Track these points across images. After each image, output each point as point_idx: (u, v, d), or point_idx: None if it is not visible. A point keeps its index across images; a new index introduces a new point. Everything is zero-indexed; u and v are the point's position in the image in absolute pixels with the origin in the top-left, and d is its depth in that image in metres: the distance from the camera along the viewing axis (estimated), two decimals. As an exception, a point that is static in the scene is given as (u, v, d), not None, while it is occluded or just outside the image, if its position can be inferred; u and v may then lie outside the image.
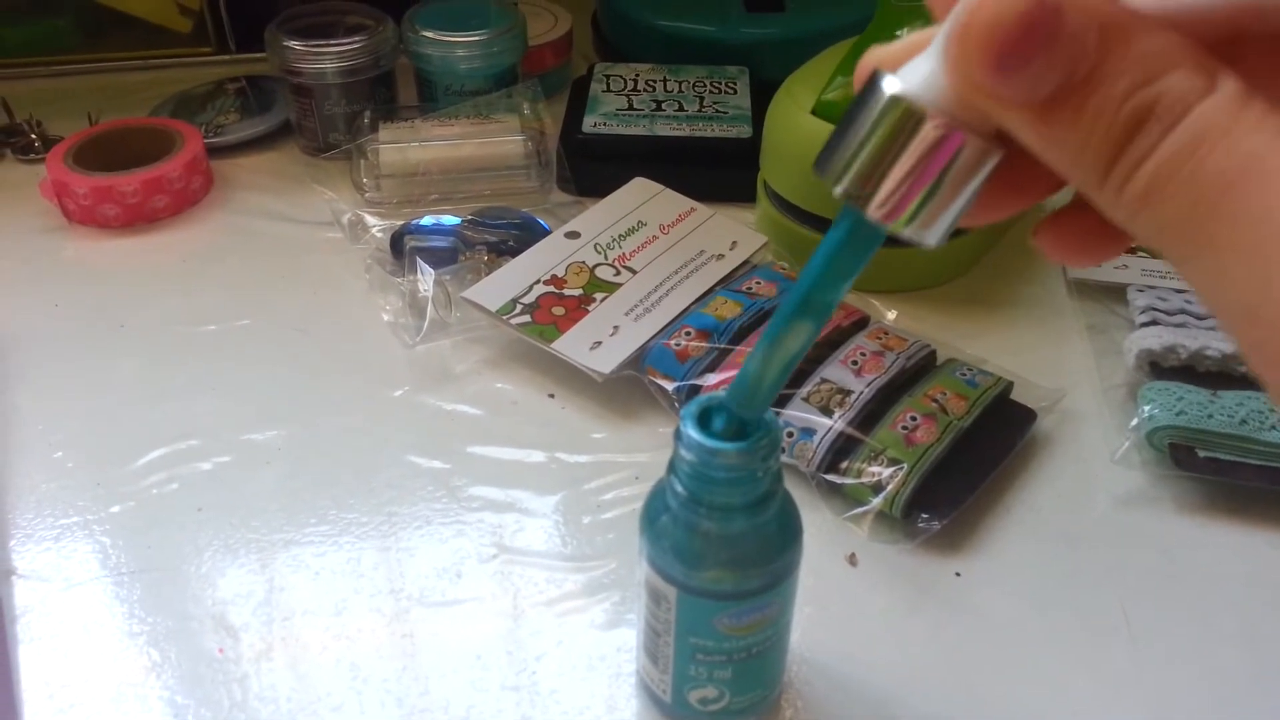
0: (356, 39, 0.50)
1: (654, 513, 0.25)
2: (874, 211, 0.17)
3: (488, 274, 0.41)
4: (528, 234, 0.44)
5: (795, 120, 0.43)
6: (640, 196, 0.45)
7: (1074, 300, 0.43)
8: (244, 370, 0.40)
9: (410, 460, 0.36)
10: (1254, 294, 0.13)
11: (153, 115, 0.54)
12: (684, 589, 0.24)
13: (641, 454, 0.36)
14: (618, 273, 0.41)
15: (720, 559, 0.24)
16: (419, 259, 0.42)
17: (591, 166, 0.49)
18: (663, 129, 0.50)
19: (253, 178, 0.51)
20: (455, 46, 0.50)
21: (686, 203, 0.45)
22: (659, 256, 0.42)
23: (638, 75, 0.54)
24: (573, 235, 0.43)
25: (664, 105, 0.51)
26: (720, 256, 0.42)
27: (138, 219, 0.47)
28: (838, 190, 0.17)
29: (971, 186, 0.16)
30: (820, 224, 0.43)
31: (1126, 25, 0.14)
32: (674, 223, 0.44)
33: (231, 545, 0.33)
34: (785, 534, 0.25)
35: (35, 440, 0.37)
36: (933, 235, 0.17)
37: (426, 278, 0.41)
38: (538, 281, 0.40)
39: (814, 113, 0.42)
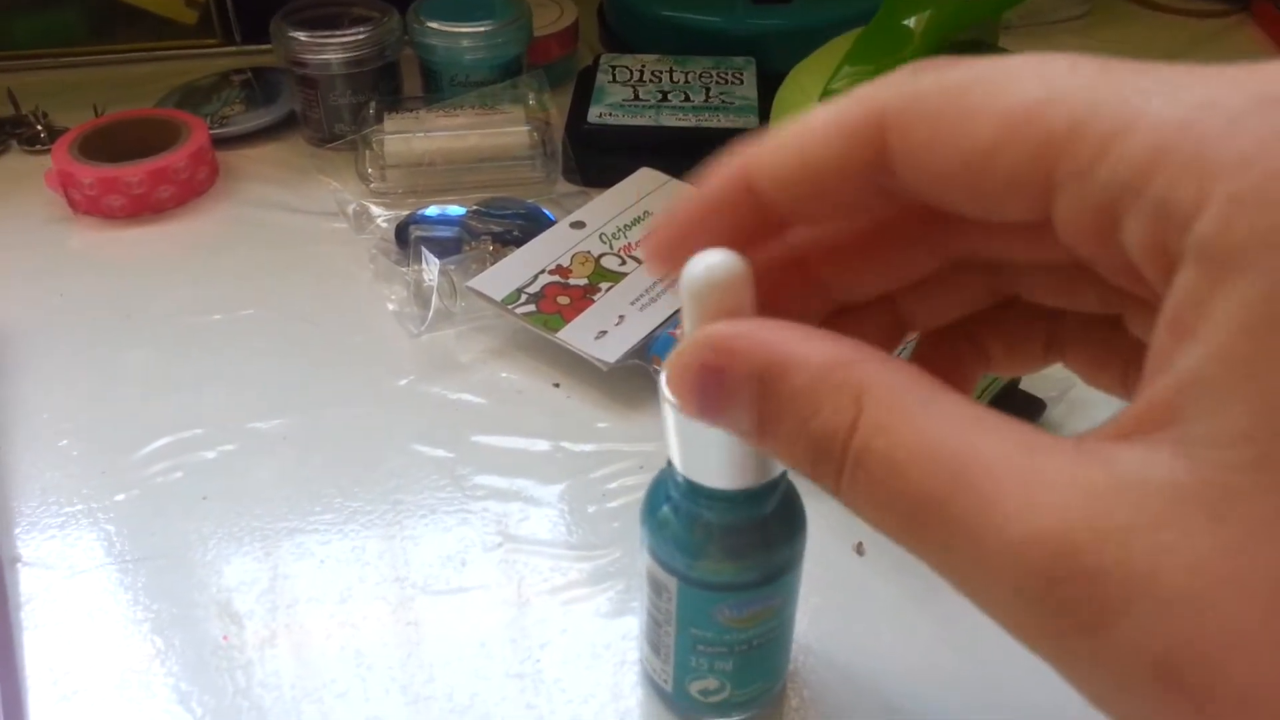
0: (361, 30, 0.49)
1: (655, 503, 0.24)
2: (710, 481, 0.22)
3: (493, 264, 0.41)
4: (533, 224, 0.44)
5: (802, 110, 0.42)
6: (646, 187, 0.45)
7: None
8: (249, 360, 0.40)
9: (415, 449, 0.36)
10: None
11: (158, 106, 0.54)
12: (684, 580, 0.24)
13: (647, 443, 0.36)
14: (623, 262, 0.41)
15: (720, 550, 0.23)
16: (424, 248, 0.42)
17: (597, 157, 0.49)
18: (669, 119, 0.49)
19: (258, 168, 0.51)
20: (460, 38, 0.50)
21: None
22: (665, 246, 0.42)
23: (644, 66, 0.53)
24: (578, 225, 0.43)
25: (670, 96, 0.51)
26: (726, 246, 0.42)
27: (143, 210, 0.47)
28: (676, 471, 0.22)
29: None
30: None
31: (784, 364, 0.15)
32: (680, 213, 0.44)
33: (236, 533, 0.33)
34: (788, 526, 0.24)
35: (40, 429, 0.37)
36: (749, 479, 0.22)
37: (431, 267, 0.41)
38: (543, 271, 0.40)
39: (821, 102, 0.42)
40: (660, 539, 0.24)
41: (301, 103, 0.52)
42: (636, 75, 0.53)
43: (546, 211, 0.45)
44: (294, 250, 0.45)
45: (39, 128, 0.52)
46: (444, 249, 0.43)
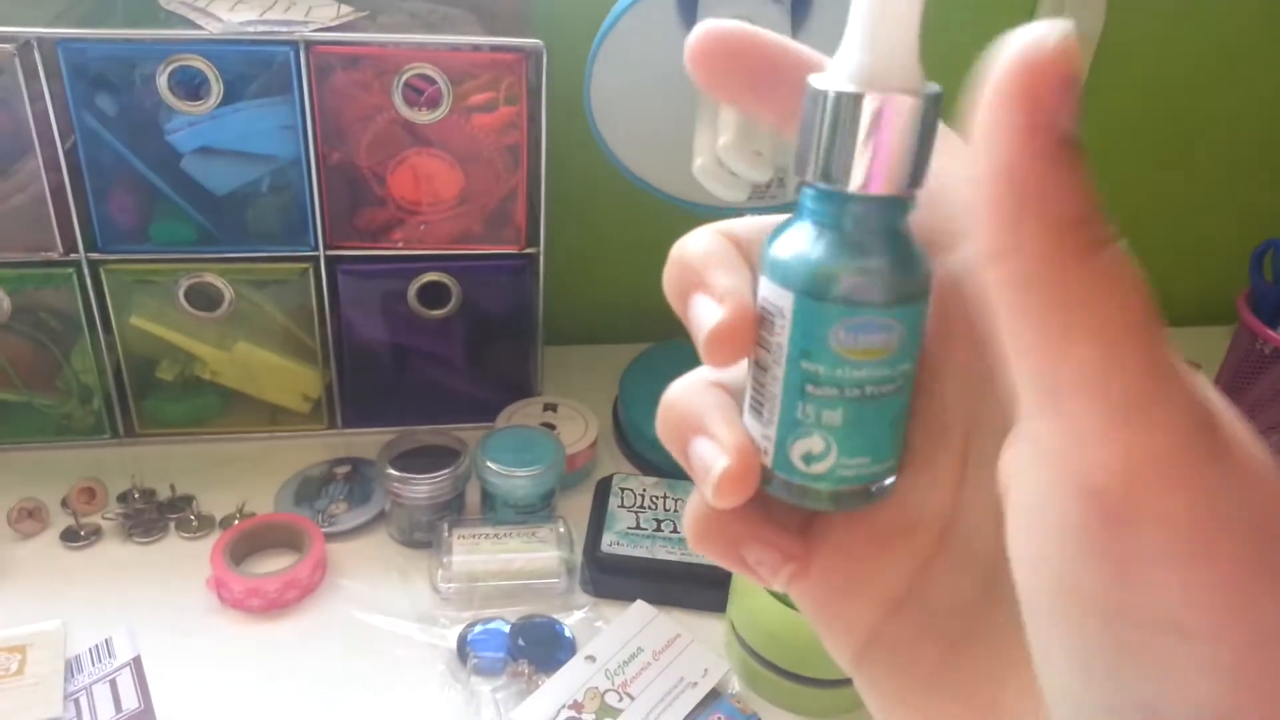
0: (443, 473, 0.68)
1: (781, 227, 0.22)
2: (852, 186, 0.20)
3: (529, 685, 0.59)
4: (556, 648, 0.62)
5: (755, 586, 0.60)
6: (640, 621, 0.63)
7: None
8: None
9: None
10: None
11: (278, 499, 0.72)
12: (801, 293, 0.21)
13: None
14: (620, 698, 0.58)
15: (846, 252, 0.21)
16: (480, 672, 0.59)
17: (608, 578, 0.67)
18: (660, 552, 0.67)
19: (356, 565, 0.68)
20: (515, 478, 0.69)
21: (674, 629, 0.62)
22: (650, 684, 0.59)
23: (644, 490, 0.72)
24: (590, 659, 0.60)
25: (663, 525, 0.69)
26: (694, 684, 0.59)
27: (274, 607, 0.64)
28: (811, 178, 0.20)
29: (918, 135, 0.19)
30: (775, 669, 0.59)
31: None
32: (663, 649, 0.61)
33: None
34: (914, 254, 0.21)
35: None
36: (896, 185, 0.20)
37: (486, 694, 0.58)
38: (564, 707, 0.57)
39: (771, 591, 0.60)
40: (783, 247, 0.22)
41: (391, 508, 0.70)
42: (638, 500, 0.71)
43: (566, 632, 0.63)
44: (377, 654, 0.62)
45: (191, 516, 0.70)
46: (493, 666, 0.60)
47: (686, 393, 0.24)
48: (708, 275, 0.22)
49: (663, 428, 0.24)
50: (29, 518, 0.68)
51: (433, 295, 0.76)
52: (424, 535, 0.69)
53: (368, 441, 0.77)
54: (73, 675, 0.56)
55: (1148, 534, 0.15)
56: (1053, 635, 0.17)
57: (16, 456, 0.74)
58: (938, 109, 0.20)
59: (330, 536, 0.69)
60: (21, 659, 0.55)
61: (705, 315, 0.21)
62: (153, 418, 0.77)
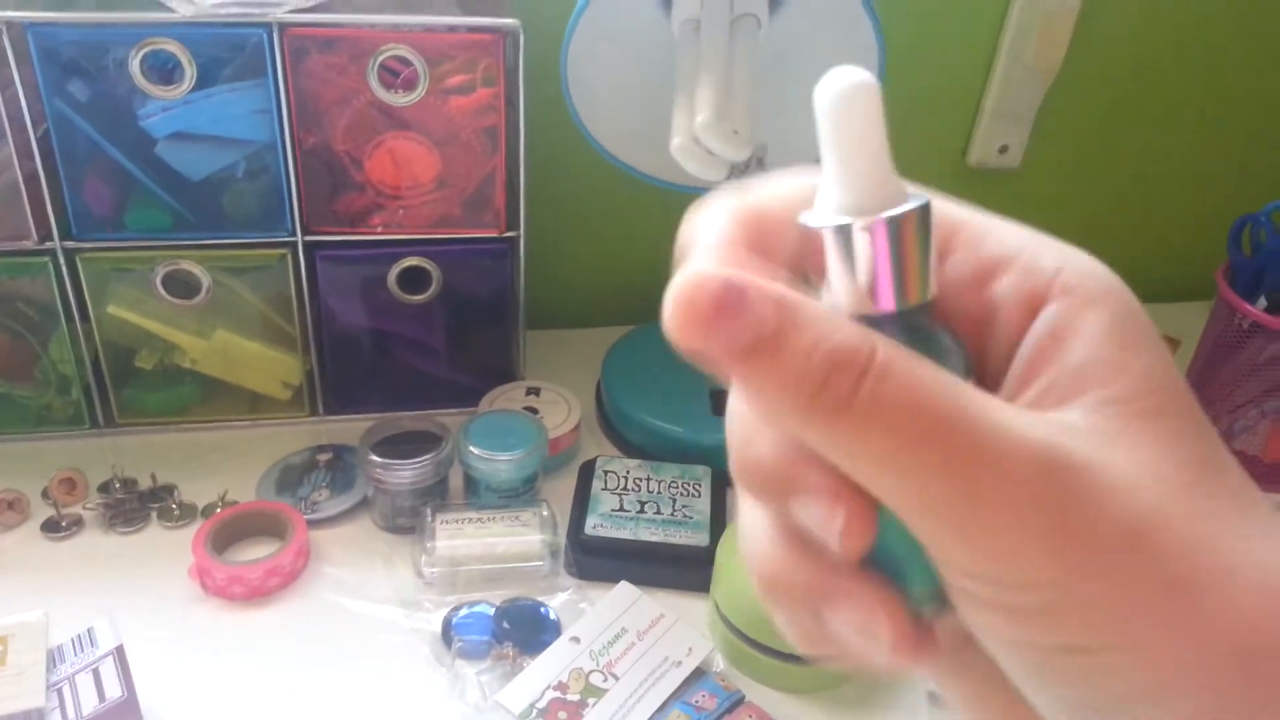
0: (426, 458, 0.68)
1: None
2: (876, 308, 0.19)
3: (514, 668, 0.59)
4: (540, 630, 0.62)
5: (737, 564, 0.61)
6: (624, 602, 0.63)
7: (930, 711, 0.60)
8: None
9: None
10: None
11: (260, 487, 0.71)
12: None
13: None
14: (605, 679, 0.58)
15: None
16: (465, 656, 0.59)
17: (591, 560, 0.67)
18: (644, 533, 0.67)
19: (339, 551, 0.68)
20: (497, 462, 0.69)
21: (656, 610, 0.63)
22: (635, 663, 0.59)
23: (628, 472, 0.72)
24: (575, 640, 0.60)
25: (645, 507, 0.69)
26: (678, 663, 0.60)
27: (257, 595, 0.64)
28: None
29: (920, 244, 0.20)
30: (758, 647, 0.60)
31: (796, 301, 0.18)
32: (647, 629, 0.61)
33: None
34: (949, 346, 0.22)
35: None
36: (914, 296, 0.20)
37: (471, 677, 0.58)
38: (549, 687, 0.57)
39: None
40: None
41: (374, 494, 0.69)
42: (621, 482, 0.71)
43: (550, 614, 0.63)
44: (362, 638, 0.62)
45: (173, 505, 0.70)
46: (477, 649, 0.60)
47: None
48: (804, 477, 0.21)
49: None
50: (9, 509, 0.68)
51: (413, 280, 0.75)
52: (407, 521, 0.69)
53: (349, 428, 0.76)
54: (55, 665, 0.56)
55: (1022, 608, 0.18)
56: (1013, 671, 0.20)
57: (4, 448, 0.73)
58: (928, 216, 0.20)
59: (313, 524, 0.69)
60: (3, 649, 0.55)
61: (827, 517, 0.20)
62: (132, 407, 0.76)
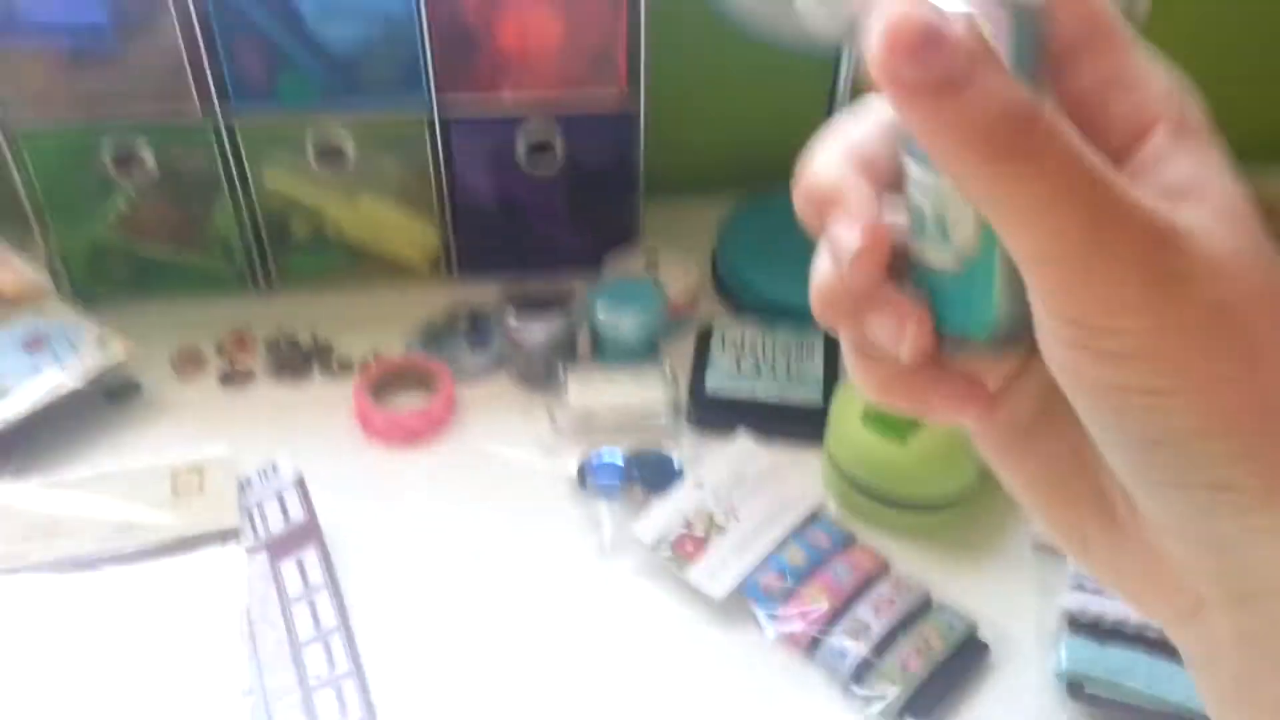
0: (557, 319, 0.73)
1: None
2: None
3: (643, 506, 0.64)
4: (666, 474, 0.67)
5: (849, 418, 0.64)
6: (743, 452, 0.68)
7: (1035, 557, 0.63)
8: (477, 556, 0.63)
9: (587, 633, 0.59)
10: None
11: (408, 347, 0.77)
12: None
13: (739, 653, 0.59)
14: (726, 518, 0.64)
15: None
16: (600, 495, 0.65)
17: (711, 416, 0.71)
18: (760, 391, 0.71)
19: (480, 404, 0.74)
20: (622, 323, 0.73)
21: (774, 460, 0.67)
22: (753, 506, 0.64)
23: (744, 334, 0.76)
24: (699, 485, 0.65)
25: (761, 367, 0.73)
26: (794, 507, 0.64)
27: (412, 440, 0.71)
28: None
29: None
30: (870, 495, 0.64)
31: (985, 50, 0.19)
32: (765, 477, 0.66)
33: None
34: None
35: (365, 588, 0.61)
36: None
37: (605, 511, 0.64)
38: (676, 523, 0.63)
39: (861, 418, 0.64)
40: None
41: (510, 352, 0.75)
42: (739, 345, 0.75)
43: (675, 462, 0.68)
44: (509, 483, 0.68)
45: (332, 360, 0.77)
46: (609, 489, 0.66)
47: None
48: (839, 199, 0.24)
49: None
50: (189, 363, 0.76)
51: (539, 149, 0.79)
52: (540, 377, 0.74)
53: (484, 292, 0.82)
54: (244, 492, 0.64)
55: (1111, 352, 0.20)
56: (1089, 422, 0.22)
57: (172, 308, 0.81)
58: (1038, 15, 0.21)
59: (456, 379, 0.75)
60: (200, 479, 0.63)
61: (845, 239, 0.23)
62: (289, 271, 0.83)
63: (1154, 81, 0.22)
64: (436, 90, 0.75)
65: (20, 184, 0.76)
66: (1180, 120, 0.22)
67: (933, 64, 0.19)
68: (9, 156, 0.75)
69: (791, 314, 0.77)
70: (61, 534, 0.59)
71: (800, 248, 0.27)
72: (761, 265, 0.80)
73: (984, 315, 0.23)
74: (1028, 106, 0.19)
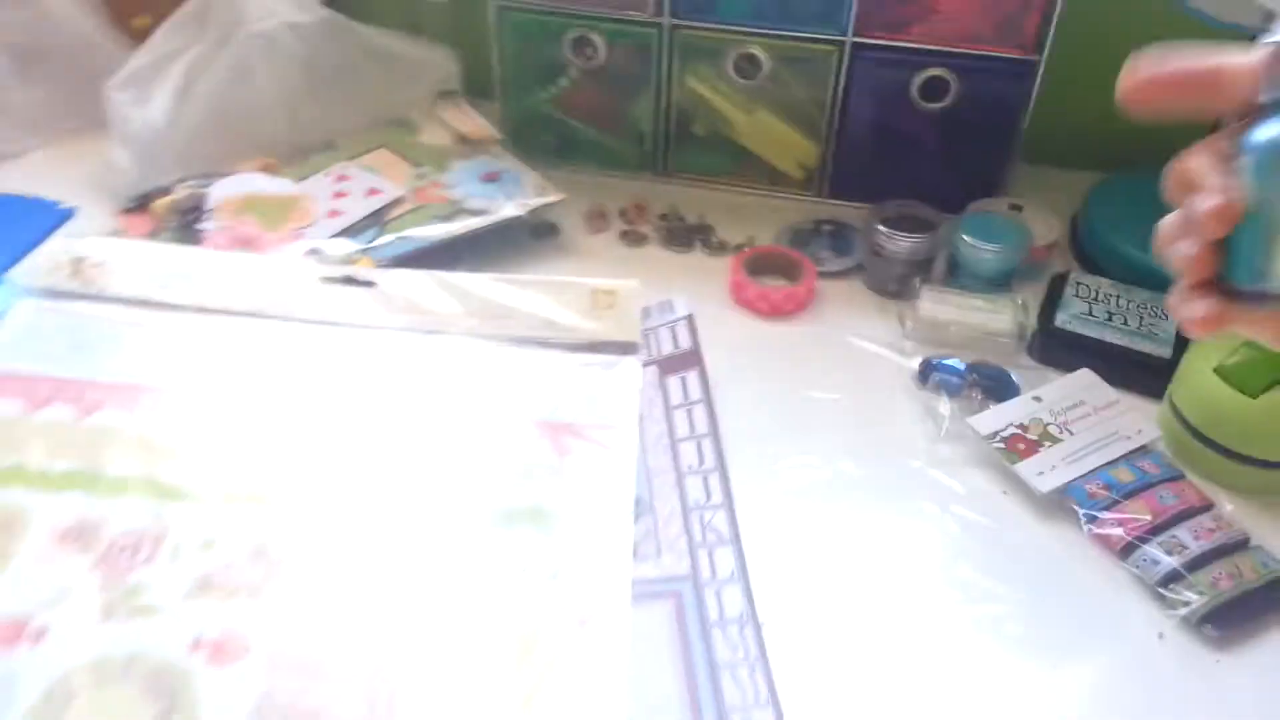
0: (924, 235, 0.80)
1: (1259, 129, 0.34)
2: None
3: (979, 408, 0.71)
4: (1004, 387, 0.73)
5: (1203, 369, 0.67)
6: (1084, 384, 0.72)
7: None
8: (827, 423, 0.72)
9: (917, 504, 0.67)
10: None
11: (777, 241, 0.88)
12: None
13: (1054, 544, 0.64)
14: (1060, 431, 0.69)
15: None
16: (941, 389, 0.72)
17: (1055, 350, 0.76)
18: (1110, 336, 0.76)
19: (836, 297, 0.83)
20: (984, 251, 0.80)
21: (1116, 395, 0.71)
22: (1088, 427, 0.69)
23: (1099, 289, 0.80)
24: (1036, 399, 0.71)
25: (1114, 318, 0.77)
26: (1128, 438, 0.68)
27: (776, 313, 0.81)
28: None
29: None
30: (1213, 446, 0.67)
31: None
32: (1102, 407, 0.71)
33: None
34: None
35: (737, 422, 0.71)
36: None
37: (945, 402, 0.71)
38: (1009, 424, 0.69)
39: (1215, 370, 0.67)
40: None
41: (868, 261, 0.83)
42: (1092, 295, 0.79)
43: (1014, 379, 0.74)
44: (854, 366, 0.77)
45: (713, 239, 0.88)
46: (951, 385, 0.73)
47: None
48: (1206, 181, 0.36)
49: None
50: (597, 218, 0.90)
51: (932, 90, 0.86)
52: (896, 287, 0.82)
53: (847, 212, 0.90)
54: (644, 318, 0.76)
55: None
56: None
57: (587, 179, 0.96)
58: None
59: (817, 275, 0.84)
60: (613, 299, 0.76)
61: (1204, 203, 0.35)
62: (683, 163, 0.96)
63: None
64: (854, 24, 0.84)
65: (495, 55, 0.93)
66: None
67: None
68: (494, 31, 0.91)
69: (1149, 282, 0.80)
70: (502, 316, 0.74)
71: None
72: (1124, 233, 0.84)
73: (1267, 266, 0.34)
74: None
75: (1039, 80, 0.84)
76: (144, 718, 0.52)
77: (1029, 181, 0.94)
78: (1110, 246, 0.84)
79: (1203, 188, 0.35)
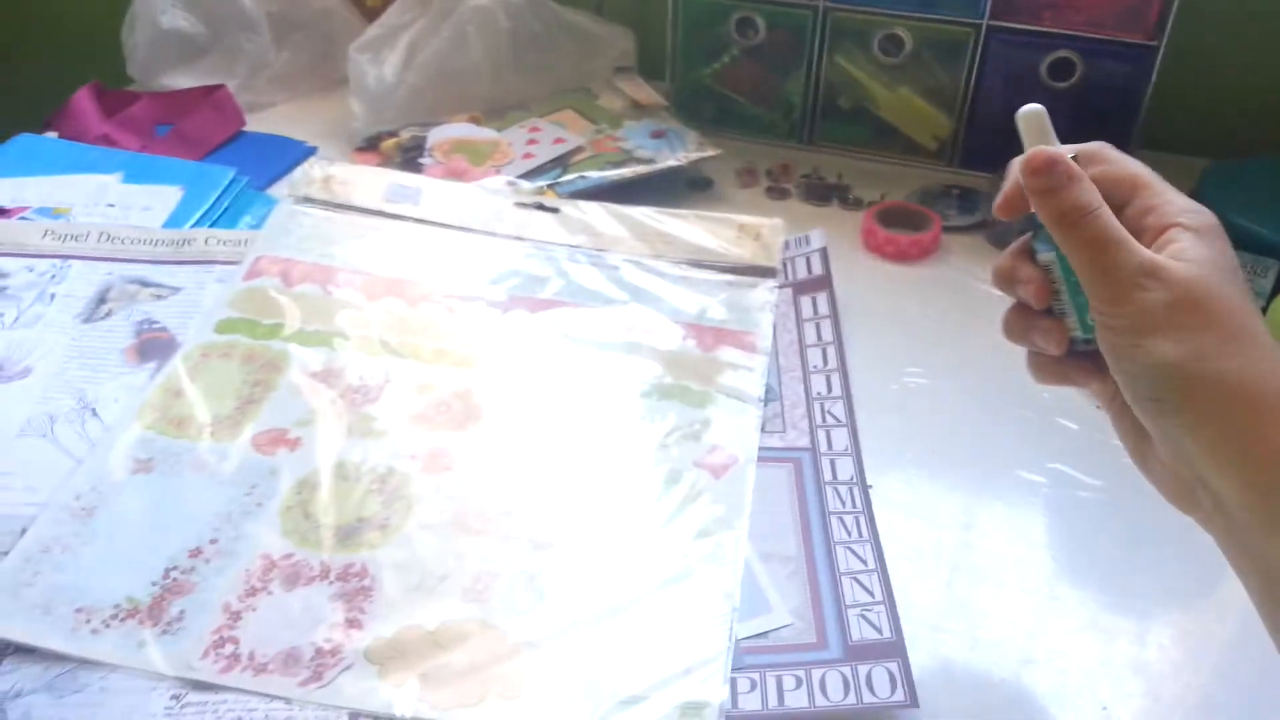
0: (1043, 194, 0.89)
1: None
2: None
3: (1079, 340, 0.80)
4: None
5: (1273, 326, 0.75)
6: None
7: None
8: (960, 355, 0.82)
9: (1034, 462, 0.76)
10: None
11: (908, 199, 0.98)
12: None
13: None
14: (1153, 362, 0.77)
15: None
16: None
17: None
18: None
19: (960, 249, 0.93)
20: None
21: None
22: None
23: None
24: (1134, 335, 0.79)
25: (1215, 274, 0.84)
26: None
27: (903, 258, 0.91)
28: None
29: None
30: None
31: (1074, 172, 0.46)
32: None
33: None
34: None
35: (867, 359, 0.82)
36: None
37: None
38: (1108, 353, 0.78)
39: (1303, 313, 0.73)
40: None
41: (993, 220, 0.93)
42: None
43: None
44: (973, 304, 0.87)
45: (850, 196, 1.00)
46: (1054, 324, 0.82)
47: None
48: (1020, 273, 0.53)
49: None
50: (747, 174, 1.03)
51: (1060, 70, 0.95)
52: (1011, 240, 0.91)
53: (973, 180, 1.00)
54: (784, 250, 0.88)
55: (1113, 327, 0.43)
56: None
57: (740, 143, 1.09)
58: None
59: (944, 229, 0.94)
60: (758, 232, 0.88)
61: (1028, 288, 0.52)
62: (827, 133, 1.07)
63: (1175, 203, 0.44)
64: (991, 9, 0.95)
65: (669, 35, 1.07)
66: (1195, 225, 0.43)
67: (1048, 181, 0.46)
68: (670, 14, 1.06)
69: (1253, 248, 0.87)
70: (662, 240, 0.88)
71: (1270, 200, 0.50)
72: (1235, 210, 0.90)
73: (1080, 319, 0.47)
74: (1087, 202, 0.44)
75: (1158, 65, 0.92)
76: (373, 505, 0.67)
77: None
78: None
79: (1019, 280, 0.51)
